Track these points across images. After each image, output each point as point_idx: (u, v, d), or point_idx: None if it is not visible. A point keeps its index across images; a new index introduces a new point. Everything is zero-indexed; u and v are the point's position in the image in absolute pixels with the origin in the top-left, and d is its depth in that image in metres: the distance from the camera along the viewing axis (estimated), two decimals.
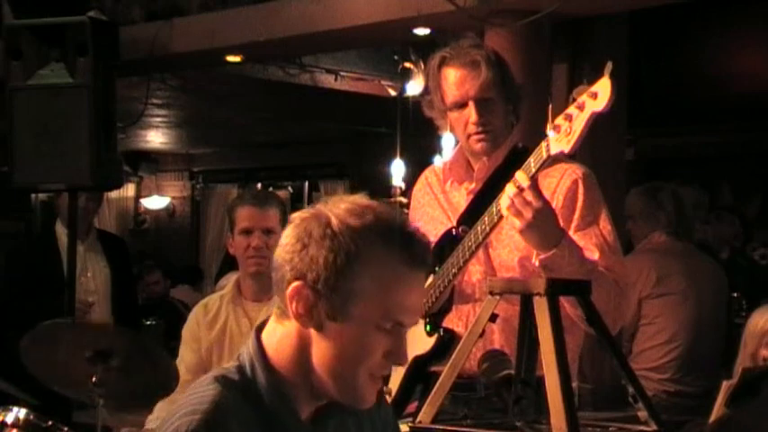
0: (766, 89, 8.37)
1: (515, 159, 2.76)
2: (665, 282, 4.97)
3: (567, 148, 2.51)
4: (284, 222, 2.62)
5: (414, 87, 6.65)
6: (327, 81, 8.96)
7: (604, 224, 2.89)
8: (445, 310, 2.97)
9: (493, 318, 2.42)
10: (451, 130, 3.04)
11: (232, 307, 3.60)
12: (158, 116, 10.88)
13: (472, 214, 2.88)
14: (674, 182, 6.00)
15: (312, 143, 12.45)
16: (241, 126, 11.59)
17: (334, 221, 1.78)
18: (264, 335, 1.87)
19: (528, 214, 2.63)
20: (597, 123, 2.48)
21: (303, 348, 1.81)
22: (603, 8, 6.16)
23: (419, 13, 6.18)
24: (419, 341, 2.94)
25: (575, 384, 2.64)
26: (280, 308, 1.83)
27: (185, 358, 3.60)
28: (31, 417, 3.41)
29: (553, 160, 2.61)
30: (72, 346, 3.40)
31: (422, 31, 6.54)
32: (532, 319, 2.28)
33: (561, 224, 2.78)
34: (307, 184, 12.97)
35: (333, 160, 12.56)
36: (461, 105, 2.95)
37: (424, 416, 2.40)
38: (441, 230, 3.00)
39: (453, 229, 2.96)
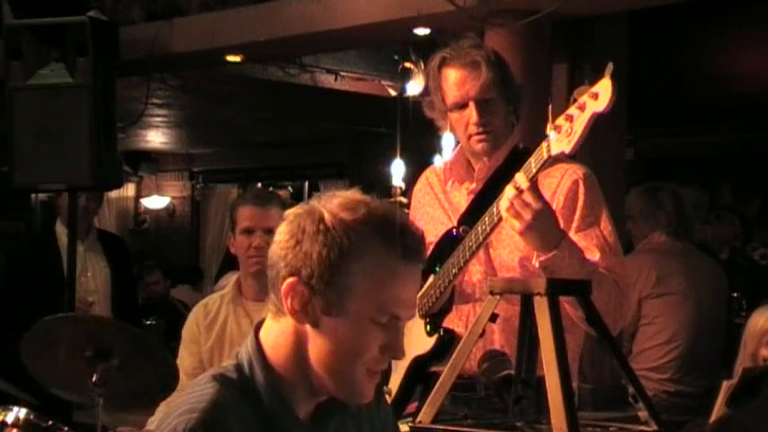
0: (766, 89, 8.37)
1: (516, 160, 2.76)
2: (665, 282, 4.97)
3: (567, 149, 2.51)
4: None
5: (414, 87, 6.65)
6: (327, 81, 8.96)
7: (605, 224, 2.89)
8: (445, 310, 2.97)
9: (493, 318, 2.43)
10: (452, 130, 3.04)
11: (232, 307, 3.59)
12: (158, 116, 10.89)
13: (473, 214, 2.88)
14: (674, 182, 6.00)
15: (312, 143, 12.45)
16: (241, 126, 11.59)
17: (326, 217, 1.78)
18: (262, 333, 1.87)
19: (527, 216, 2.63)
20: (597, 123, 2.48)
21: (299, 345, 1.81)
22: (603, 8, 6.16)
23: (419, 13, 6.19)
24: (419, 341, 2.94)
25: (575, 384, 2.64)
26: (275, 305, 1.83)
27: (184, 362, 3.59)
28: (31, 416, 3.41)
29: (554, 160, 2.61)
30: (72, 345, 3.40)
31: (422, 31, 6.54)
32: (533, 318, 2.28)
33: (561, 225, 2.79)
34: (307, 184, 12.97)
35: (333, 160, 12.56)
36: (462, 106, 2.95)
37: (425, 416, 2.40)
38: (441, 230, 3.00)
39: (454, 229, 2.96)
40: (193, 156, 14.15)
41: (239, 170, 13.61)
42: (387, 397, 2.81)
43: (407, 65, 6.79)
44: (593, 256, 2.83)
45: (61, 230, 5.18)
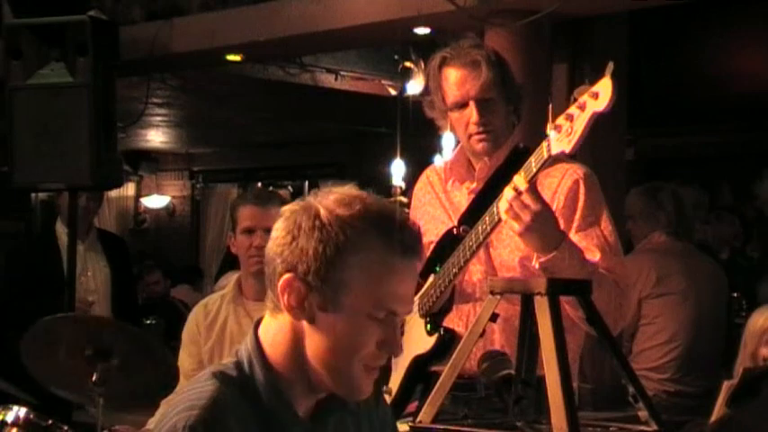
0: (766, 89, 8.37)
1: (516, 159, 2.75)
2: (665, 282, 4.97)
3: (567, 148, 2.51)
4: None
5: (414, 87, 6.65)
6: (327, 81, 8.96)
7: (605, 224, 2.89)
8: (446, 309, 2.97)
9: (493, 317, 2.42)
10: (452, 130, 3.04)
11: (233, 306, 3.59)
12: (158, 116, 10.89)
13: (473, 214, 2.88)
14: (674, 182, 6.00)
15: (312, 143, 12.45)
16: (241, 126, 11.60)
17: (322, 212, 1.78)
18: (261, 331, 1.87)
19: (526, 217, 2.63)
20: (597, 123, 2.48)
21: (297, 342, 1.81)
22: (603, 8, 6.16)
23: (419, 13, 6.19)
24: (420, 341, 2.94)
25: (575, 384, 2.64)
26: (273, 302, 1.83)
27: (183, 364, 3.59)
28: (31, 416, 3.41)
29: (554, 160, 2.60)
30: (72, 345, 3.40)
31: (422, 31, 6.54)
32: (533, 318, 2.28)
33: (562, 225, 2.79)
34: (307, 184, 12.97)
35: (333, 160, 12.57)
36: (462, 105, 2.95)
37: (425, 416, 2.40)
38: (442, 230, 3.00)
39: (454, 229, 2.96)
40: (193, 155, 14.15)
41: (239, 170, 13.61)
42: (387, 396, 2.82)
43: (407, 65, 6.79)
44: (594, 256, 2.82)
45: (61, 230, 5.18)
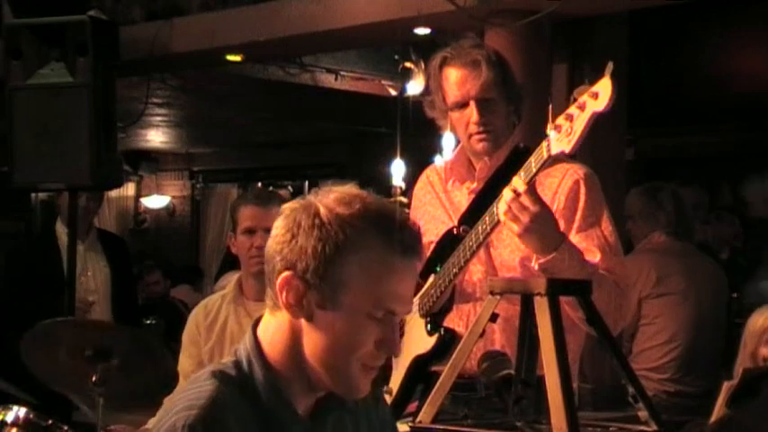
0: (766, 89, 8.37)
1: (517, 159, 2.75)
2: (665, 282, 4.97)
3: (567, 148, 2.51)
4: None
5: (414, 87, 6.65)
6: (327, 81, 8.96)
7: (606, 225, 2.89)
8: (446, 309, 2.97)
9: (493, 317, 2.43)
10: (453, 129, 3.04)
11: (233, 307, 3.59)
12: (158, 116, 10.89)
13: (473, 214, 2.88)
14: (674, 182, 6.00)
15: (312, 143, 12.45)
16: (241, 126, 11.59)
17: (322, 211, 1.79)
18: (260, 329, 1.87)
19: (525, 219, 2.63)
20: (597, 123, 2.48)
21: (295, 340, 1.82)
22: (603, 8, 6.16)
23: (419, 13, 6.18)
24: (420, 341, 2.94)
25: (575, 384, 2.64)
26: (272, 300, 1.83)
27: (184, 365, 3.59)
28: (31, 416, 3.41)
29: (554, 160, 2.60)
30: (72, 346, 3.40)
31: (422, 31, 6.54)
32: (533, 319, 2.28)
33: (562, 225, 2.79)
34: (307, 184, 12.97)
35: (333, 160, 12.56)
36: (462, 105, 2.95)
37: (425, 416, 2.40)
38: (442, 230, 3.00)
39: (454, 229, 2.96)
40: (193, 155, 14.15)
41: (239, 170, 13.61)
42: (387, 396, 2.82)
43: (407, 65, 6.79)
44: (594, 256, 2.82)
45: (61, 230, 5.18)
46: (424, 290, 2.95)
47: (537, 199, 2.65)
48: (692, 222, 5.49)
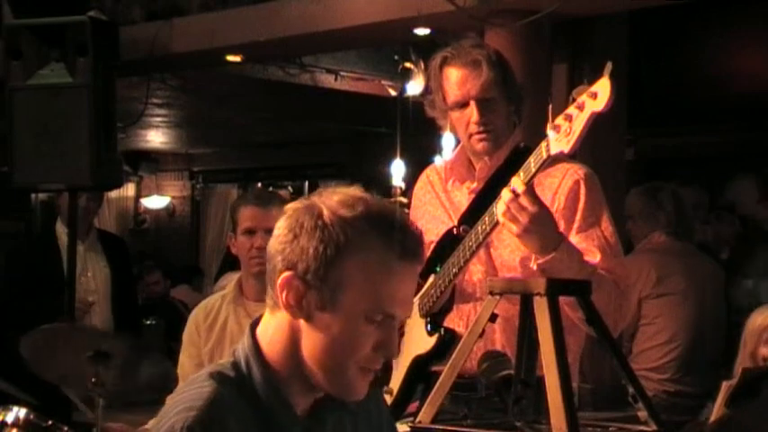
0: (766, 89, 8.36)
1: (517, 159, 2.75)
2: (665, 282, 4.97)
3: (566, 148, 2.51)
4: None
5: (414, 87, 6.65)
6: (327, 81, 8.95)
7: (606, 225, 2.89)
8: (446, 309, 2.97)
9: (493, 318, 2.43)
10: (453, 129, 3.05)
11: (233, 307, 3.59)
12: (158, 116, 10.88)
13: (473, 214, 2.88)
14: (674, 182, 5.99)
15: (312, 143, 12.45)
16: (241, 126, 11.59)
17: (325, 212, 1.79)
18: (259, 330, 1.87)
19: (524, 219, 2.63)
20: (597, 123, 2.48)
21: (294, 340, 1.82)
22: (603, 8, 6.16)
23: (419, 13, 6.18)
24: (420, 341, 2.94)
25: (575, 384, 2.64)
26: (272, 299, 1.84)
27: (184, 365, 3.59)
28: (31, 416, 3.41)
29: (554, 160, 2.60)
30: (72, 348, 3.40)
31: (422, 31, 6.53)
32: (532, 319, 2.28)
33: (562, 226, 2.79)
34: (307, 184, 12.96)
35: (333, 160, 12.56)
36: (463, 105, 2.95)
37: (424, 416, 2.40)
38: (442, 229, 3.00)
39: (454, 229, 2.96)
40: (193, 156, 14.15)
41: (239, 170, 13.60)
42: (388, 397, 2.82)
43: (407, 65, 6.79)
44: (594, 257, 2.82)
45: (61, 230, 5.18)
46: (423, 290, 2.95)
47: (535, 199, 2.65)
48: (692, 222, 5.49)
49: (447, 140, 3.60)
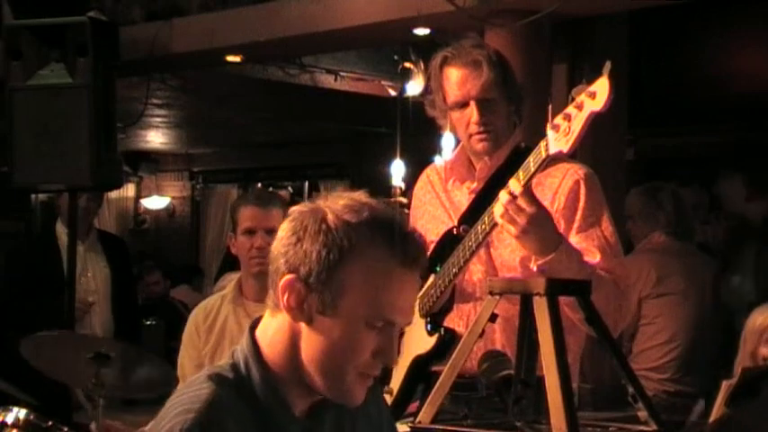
0: (766, 89, 8.36)
1: (517, 159, 2.75)
2: (665, 282, 4.97)
3: (565, 148, 2.51)
4: None
5: (414, 87, 6.64)
6: (327, 81, 8.95)
7: (606, 225, 2.89)
8: (446, 309, 2.97)
9: (493, 318, 2.43)
10: (453, 129, 3.05)
11: (233, 307, 3.59)
12: (158, 116, 10.88)
13: (473, 214, 2.88)
14: (674, 182, 5.99)
15: (312, 143, 12.44)
16: (241, 126, 11.59)
17: (329, 217, 1.79)
18: (258, 331, 1.88)
19: (522, 221, 2.63)
20: (597, 123, 2.48)
21: (294, 342, 1.82)
22: (603, 8, 6.15)
23: (419, 13, 6.18)
24: (420, 340, 2.94)
25: (575, 384, 2.64)
26: (273, 301, 1.84)
27: (184, 366, 3.59)
28: (31, 417, 3.41)
29: (554, 160, 2.60)
30: (72, 350, 3.41)
31: (422, 31, 6.53)
32: (532, 319, 2.28)
33: (562, 225, 2.79)
34: (307, 184, 12.96)
35: (333, 160, 12.56)
36: (463, 105, 2.95)
37: (424, 416, 2.40)
38: (442, 229, 3.01)
39: (454, 229, 2.96)
40: (193, 156, 14.14)
41: (239, 170, 13.60)
42: (388, 397, 2.82)
43: (407, 65, 6.78)
44: (594, 257, 2.82)
45: (61, 230, 5.18)
46: (424, 290, 2.95)
47: (533, 200, 2.65)
48: (692, 222, 5.49)
49: (447, 140, 3.60)
